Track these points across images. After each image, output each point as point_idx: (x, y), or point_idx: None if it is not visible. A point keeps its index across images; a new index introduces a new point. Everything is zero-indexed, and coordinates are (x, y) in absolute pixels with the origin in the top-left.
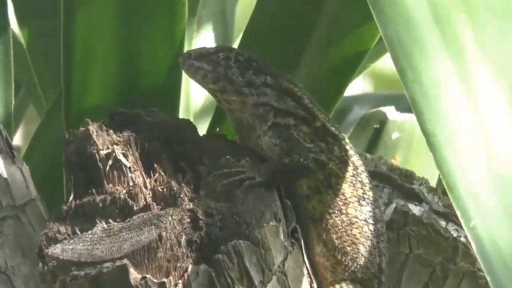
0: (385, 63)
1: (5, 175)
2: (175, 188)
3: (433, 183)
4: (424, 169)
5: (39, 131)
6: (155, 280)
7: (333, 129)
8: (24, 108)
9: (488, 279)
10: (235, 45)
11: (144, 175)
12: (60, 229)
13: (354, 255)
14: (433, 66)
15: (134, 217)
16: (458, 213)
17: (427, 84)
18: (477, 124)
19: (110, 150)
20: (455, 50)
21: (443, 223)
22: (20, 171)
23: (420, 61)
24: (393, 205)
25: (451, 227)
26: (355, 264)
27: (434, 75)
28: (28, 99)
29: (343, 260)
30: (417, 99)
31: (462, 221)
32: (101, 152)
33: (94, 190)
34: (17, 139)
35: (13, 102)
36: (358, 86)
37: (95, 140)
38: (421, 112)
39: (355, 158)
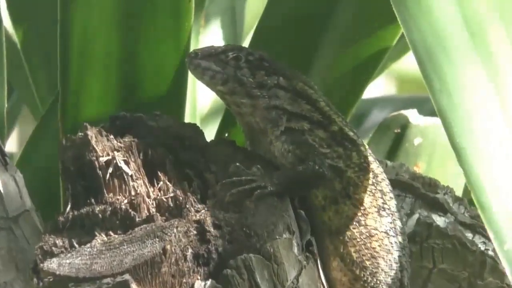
0: (408, 63)
1: None
2: (181, 198)
3: (458, 192)
4: (449, 177)
5: (34, 136)
6: None
7: (351, 133)
8: (17, 111)
9: None
10: (245, 43)
11: (147, 183)
12: (57, 242)
13: (373, 270)
14: (462, 75)
15: (136, 229)
16: (491, 235)
17: (456, 94)
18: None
19: (110, 157)
20: (487, 58)
21: (469, 235)
22: (13, 179)
23: (449, 68)
24: (416, 216)
25: (478, 240)
26: (375, 280)
27: (463, 84)
28: (22, 102)
29: (362, 275)
30: (445, 110)
31: (495, 243)
32: (101, 159)
33: (93, 200)
34: (11, 145)
35: (6, 105)
36: (379, 87)
37: (94, 146)
38: (449, 124)
39: (374, 165)
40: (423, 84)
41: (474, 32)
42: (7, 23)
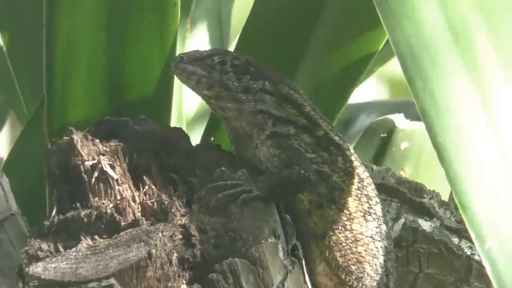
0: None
1: None
2: (166, 202)
3: (444, 197)
4: (435, 182)
5: (19, 140)
6: None
7: (337, 138)
8: (3, 115)
9: None
10: (231, 47)
11: (132, 188)
12: (42, 246)
13: (359, 274)
14: (445, 75)
15: (121, 233)
16: (472, 235)
17: (439, 94)
18: (494, 138)
19: (95, 161)
20: (469, 57)
21: (455, 240)
22: None
23: (431, 69)
24: (402, 221)
25: (464, 245)
26: (360, 285)
27: (446, 84)
28: (8, 106)
29: (348, 280)
30: (427, 110)
31: (476, 243)
32: (86, 163)
33: (78, 204)
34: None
35: None
36: (371, 92)
37: (80, 150)
38: (431, 124)
39: (360, 170)
40: None
41: (457, 33)
42: None
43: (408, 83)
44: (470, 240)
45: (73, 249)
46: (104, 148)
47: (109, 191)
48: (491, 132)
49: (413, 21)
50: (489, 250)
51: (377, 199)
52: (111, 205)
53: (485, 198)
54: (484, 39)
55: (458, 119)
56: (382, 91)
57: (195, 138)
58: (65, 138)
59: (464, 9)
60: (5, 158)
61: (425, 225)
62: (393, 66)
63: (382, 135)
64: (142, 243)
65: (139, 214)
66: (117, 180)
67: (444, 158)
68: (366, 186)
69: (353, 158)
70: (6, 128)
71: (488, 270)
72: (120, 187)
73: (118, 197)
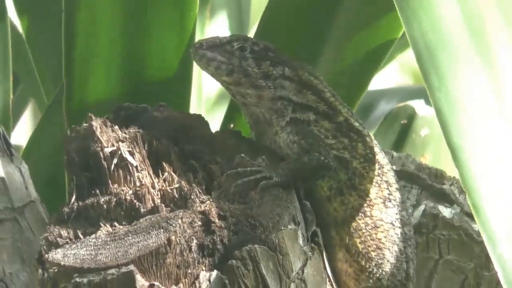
0: None
1: (2, 174)
2: (186, 189)
3: None
4: (455, 168)
5: (39, 127)
6: None
7: (357, 124)
8: (23, 103)
9: None
10: (251, 34)
11: (152, 174)
12: (62, 232)
13: (379, 261)
14: (461, 73)
15: (141, 220)
16: (484, 238)
17: (454, 93)
18: (511, 140)
19: (115, 148)
20: (486, 56)
21: (475, 226)
22: (18, 170)
23: (448, 66)
24: (422, 207)
25: None
26: (380, 271)
27: (462, 83)
28: (28, 93)
29: (368, 266)
30: (442, 108)
31: (488, 247)
32: (106, 149)
33: (98, 191)
34: (18, 137)
35: (11, 96)
36: (393, 79)
37: (99, 136)
38: (446, 123)
39: (380, 156)
40: None
41: (475, 30)
42: (12, 15)
43: (424, 79)
44: None
45: (93, 236)
46: (124, 134)
47: (128, 177)
48: (507, 134)
49: (430, 16)
50: (501, 254)
51: (397, 186)
52: (130, 192)
53: (499, 201)
54: (503, 36)
55: (474, 119)
56: (404, 78)
57: (215, 125)
58: (84, 124)
59: (482, 5)
60: (24, 145)
61: (445, 211)
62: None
63: (402, 122)
64: (162, 230)
65: (159, 200)
66: (136, 166)
67: (458, 158)
68: (386, 173)
69: (373, 144)
70: (26, 116)
71: (500, 275)
72: (140, 174)
73: (138, 184)
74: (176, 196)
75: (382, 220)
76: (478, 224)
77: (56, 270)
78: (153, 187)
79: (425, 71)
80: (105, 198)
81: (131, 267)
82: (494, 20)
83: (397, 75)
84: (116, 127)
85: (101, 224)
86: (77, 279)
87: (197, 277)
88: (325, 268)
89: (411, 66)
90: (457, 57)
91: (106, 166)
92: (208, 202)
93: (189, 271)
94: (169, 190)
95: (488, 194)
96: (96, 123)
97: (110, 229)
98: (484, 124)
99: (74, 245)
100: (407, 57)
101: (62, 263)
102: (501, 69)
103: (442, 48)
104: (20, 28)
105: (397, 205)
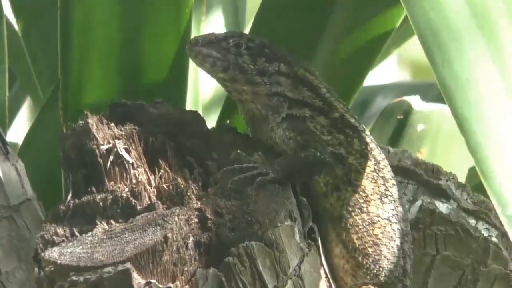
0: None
1: None
2: (182, 186)
3: (462, 178)
4: (452, 163)
5: (35, 125)
6: (160, 286)
7: (352, 120)
8: (20, 100)
9: None
10: (247, 30)
11: (148, 171)
12: (58, 231)
13: (376, 257)
14: (464, 47)
15: (137, 217)
16: (494, 202)
17: (458, 66)
18: None
19: (111, 145)
20: (488, 29)
21: (472, 221)
22: (14, 168)
23: (450, 41)
24: (419, 203)
25: (482, 226)
26: (377, 267)
27: (465, 56)
28: (24, 91)
29: (364, 262)
30: (447, 81)
31: (497, 209)
32: (102, 147)
33: (94, 189)
34: (14, 134)
35: (7, 94)
36: (392, 75)
37: (95, 134)
38: (451, 95)
39: (376, 152)
40: None
41: (476, 6)
42: (8, 12)
43: (427, 56)
44: (487, 222)
45: (89, 234)
46: (120, 131)
47: (124, 175)
48: (510, 102)
49: None
50: (510, 216)
51: (394, 181)
52: (126, 189)
53: (506, 165)
54: (503, 12)
55: (478, 90)
56: (403, 74)
57: (211, 122)
58: (80, 122)
59: None
60: (20, 143)
61: (442, 207)
62: (414, 49)
63: (398, 117)
64: (158, 227)
65: (155, 197)
66: (132, 164)
67: (464, 128)
68: (382, 168)
69: (369, 140)
70: (22, 113)
71: (510, 235)
72: (136, 171)
73: (134, 181)
74: (173, 193)
75: (379, 216)
76: (486, 188)
77: (52, 268)
78: (150, 184)
79: (428, 49)
80: (101, 195)
81: (128, 265)
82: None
83: (396, 70)
84: (112, 124)
85: (98, 222)
86: (74, 278)
87: (194, 274)
88: (322, 264)
89: (409, 61)
90: (459, 32)
91: (102, 164)
92: (204, 198)
93: (186, 268)
94: (166, 187)
95: (494, 160)
96: (92, 121)
97: (106, 227)
98: (488, 94)
99: (70, 243)
100: (406, 51)
101: (59, 261)
102: (503, 44)
103: (444, 24)
104: (16, 26)
105: (394, 201)
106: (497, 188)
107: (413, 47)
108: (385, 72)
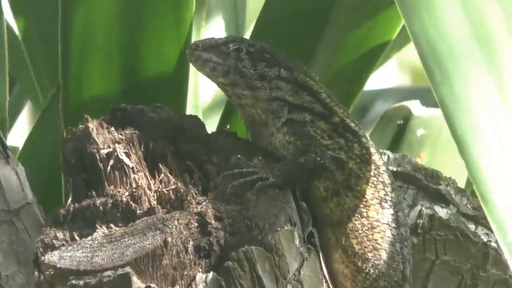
0: None
1: None
2: (182, 190)
3: (461, 183)
4: (452, 168)
5: (35, 129)
6: None
7: (352, 125)
8: (20, 104)
9: None
10: (247, 35)
11: (148, 176)
12: (58, 234)
13: (375, 261)
14: (463, 66)
15: (137, 222)
16: (494, 228)
17: (457, 86)
18: None
19: (111, 149)
20: (488, 48)
21: (472, 226)
22: (15, 172)
23: (450, 59)
24: (418, 208)
25: (481, 231)
26: (377, 272)
27: (464, 76)
28: (24, 95)
29: (364, 267)
30: (446, 102)
31: (497, 236)
32: (102, 151)
33: (94, 193)
34: (14, 138)
35: (8, 98)
36: (393, 79)
37: (95, 138)
38: (451, 116)
39: (376, 157)
40: None
41: (476, 24)
42: (8, 15)
43: (427, 74)
44: (487, 227)
45: (89, 238)
46: (120, 136)
47: (124, 179)
48: (510, 124)
49: (431, 12)
50: (510, 243)
51: (393, 186)
52: (126, 193)
53: (506, 190)
54: (503, 31)
55: (477, 111)
56: (403, 78)
57: (211, 126)
58: (81, 126)
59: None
60: (21, 147)
61: (442, 212)
62: (414, 53)
63: (398, 122)
64: (158, 231)
65: (155, 202)
66: (132, 168)
67: (464, 150)
68: (382, 173)
69: (369, 145)
70: (22, 117)
71: (510, 264)
72: (136, 175)
73: (134, 185)
74: (173, 197)
75: (379, 220)
76: (486, 214)
77: (52, 272)
78: (149, 189)
79: (427, 66)
80: (101, 199)
81: (127, 269)
82: (494, 14)
83: (396, 74)
84: (112, 128)
85: (97, 226)
86: (73, 281)
87: (194, 278)
88: (321, 269)
89: (410, 65)
90: (459, 51)
91: (102, 168)
92: (204, 203)
93: (186, 272)
94: (165, 191)
95: (495, 185)
96: (92, 125)
97: (106, 231)
98: (487, 116)
99: (70, 247)
100: (406, 56)
101: (58, 265)
102: (502, 62)
103: (444, 43)
104: (16, 30)
105: (393, 206)
106: (497, 215)
107: (413, 51)
108: (385, 76)
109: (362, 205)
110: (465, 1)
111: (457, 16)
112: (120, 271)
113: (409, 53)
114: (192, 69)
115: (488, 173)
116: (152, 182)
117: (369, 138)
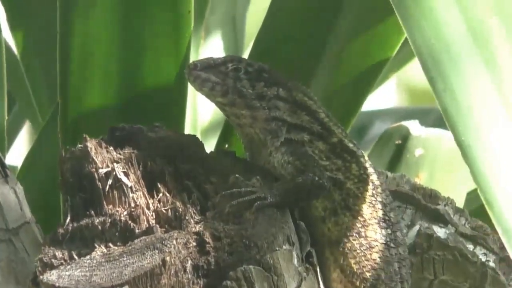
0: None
1: None
2: (180, 209)
3: (459, 203)
4: (450, 188)
5: (34, 148)
6: None
7: (351, 145)
8: (19, 123)
9: None
10: (246, 54)
11: (146, 195)
12: (56, 254)
13: (374, 281)
14: (465, 74)
15: (135, 241)
16: (499, 231)
17: (460, 94)
18: None
19: (110, 169)
20: (489, 56)
21: (470, 246)
22: (13, 191)
23: (452, 68)
24: (416, 227)
25: (479, 251)
26: None
27: (466, 83)
28: (23, 114)
29: (362, 287)
30: (449, 109)
31: (503, 239)
32: (100, 170)
33: (92, 212)
34: (13, 157)
35: (6, 117)
36: (391, 99)
37: (94, 157)
38: (454, 123)
39: (374, 177)
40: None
41: (476, 33)
42: (7, 35)
43: (430, 83)
44: (485, 247)
45: (87, 257)
46: (118, 155)
47: (123, 198)
48: (510, 125)
49: (431, 22)
50: None
51: (392, 206)
52: (125, 213)
53: (511, 193)
54: (503, 39)
55: (480, 117)
56: (402, 98)
57: (210, 146)
58: (79, 145)
59: (482, 10)
60: (19, 166)
61: (440, 231)
62: (413, 74)
63: (397, 142)
64: (156, 251)
65: (153, 221)
66: (131, 187)
67: (468, 156)
68: (380, 193)
69: (367, 165)
70: (21, 136)
71: None
72: (134, 195)
73: (132, 205)
74: (171, 216)
75: (377, 240)
76: (492, 218)
77: None
78: (148, 208)
79: (430, 75)
80: (99, 219)
81: None
82: (493, 23)
83: (395, 95)
84: (111, 148)
85: (96, 245)
86: None
87: None
88: None
89: (408, 86)
90: (460, 60)
91: (101, 187)
92: (202, 222)
93: None
94: (164, 211)
95: (499, 189)
96: (91, 144)
97: (105, 250)
98: (490, 121)
99: (69, 266)
100: (404, 77)
101: (57, 284)
102: (502, 69)
103: (445, 52)
104: (14, 49)
105: (392, 226)
106: (502, 219)
107: (411, 71)
108: (384, 96)
109: (360, 225)
110: (466, 12)
111: (458, 26)
112: None
113: (407, 74)
114: (190, 88)
115: (493, 177)
116: (150, 201)
117: (367, 158)
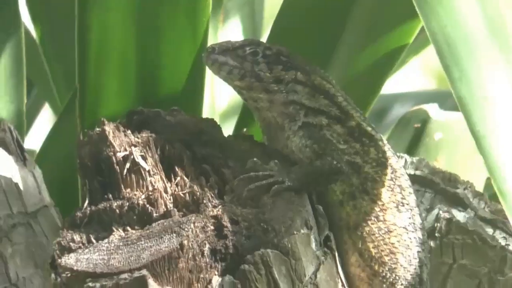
0: None
1: (16, 179)
2: (198, 193)
3: (479, 187)
4: (470, 172)
5: (52, 132)
6: None
7: (369, 129)
8: (37, 107)
9: None
10: (264, 38)
11: (164, 179)
12: (74, 237)
13: (392, 265)
14: (481, 63)
15: (153, 225)
16: (511, 220)
17: (475, 83)
18: None
19: (127, 152)
20: (505, 45)
21: (490, 230)
22: (32, 175)
23: (468, 57)
24: (435, 211)
25: (499, 235)
26: (394, 276)
27: (482, 73)
28: (42, 98)
29: (381, 271)
30: (464, 98)
31: None
32: (118, 154)
33: (110, 196)
34: (32, 141)
35: (25, 101)
36: (418, 83)
37: (112, 141)
38: (469, 113)
39: (393, 161)
40: None
41: (493, 21)
42: (26, 20)
43: (445, 71)
44: (505, 231)
45: (105, 240)
46: (136, 139)
47: (141, 182)
48: None
49: (448, 10)
50: None
51: (411, 190)
52: (143, 196)
53: None
54: None
55: (495, 107)
56: (428, 81)
57: (228, 130)
58: (97, 129)
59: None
60: (38, 150)
61: (459, 215)
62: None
63: (416, 126)
64: (174, 234)
65: (171, 205)
66: (149, 171)
67: (482, 146)
68: (399, 177)
69: (385, 148)
70: (40, 120)
71: None
72: (152, 178)
73: (150, 188)
74: (189, 200)
75: (395, 224)
76: (505, 208)
77: (69, 274)
78: (166, 192)
79: (445, 64)
80: (117, 202)
81: (144, 271)
82: (510, 11)
83: (420, 78)
84: (129, 131)
85: (114, 229)
86: (90, 284)
87: (210, 281)
88: (338, 272)
89: (432, 68)
90: (476, 48)
91: (118, 171)
92: (220, 206)
93: (202, 275)
94: (182, 195)
95: None
96: (109, 128)
97: (122, 234)
98: (506, 112)
99: (87, 250)
100: (428, 58)
101: (75, 267)
102: None
103: (461, 41)
104: (33, 33)
105: (410, 210)
106: None
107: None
108: (409, 79)
109: (378, 209)
110: (483, 4)
111: (474, 14)
112: (136, 274)
113: (430, 57)
114: (208, 72)
115: (507, 168)
116: (168, 185)
117: (386, 141)
